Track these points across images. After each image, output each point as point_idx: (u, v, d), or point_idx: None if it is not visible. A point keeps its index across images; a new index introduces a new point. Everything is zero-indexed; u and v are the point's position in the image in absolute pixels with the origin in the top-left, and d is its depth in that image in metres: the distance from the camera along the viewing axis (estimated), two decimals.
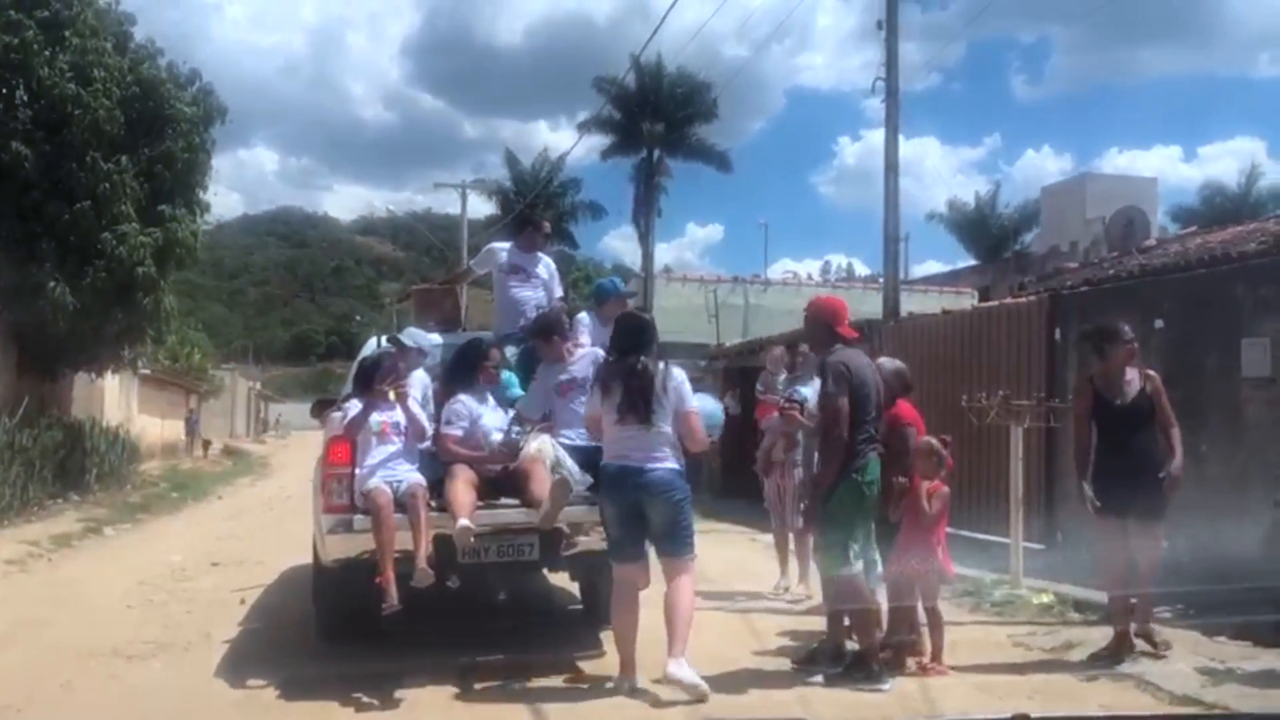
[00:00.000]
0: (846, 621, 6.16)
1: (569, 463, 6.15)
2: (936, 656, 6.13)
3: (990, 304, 12.50)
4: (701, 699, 5.37)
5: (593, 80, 33.18)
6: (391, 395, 6.28)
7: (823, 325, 6.24)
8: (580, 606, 7.84)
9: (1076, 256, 21.17)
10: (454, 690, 5.78)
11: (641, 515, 5.71)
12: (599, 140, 33.64)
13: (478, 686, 5.86)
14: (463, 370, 6.78)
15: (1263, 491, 7.83)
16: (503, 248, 8.08)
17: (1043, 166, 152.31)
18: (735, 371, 18.06)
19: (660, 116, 32.37)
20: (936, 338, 12.20)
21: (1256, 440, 7.96)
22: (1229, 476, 8.03)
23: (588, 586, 7.45)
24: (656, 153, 32.71)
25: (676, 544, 5.74)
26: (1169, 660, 6.13)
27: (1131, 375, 6.50)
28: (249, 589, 9.26)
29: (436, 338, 7.50)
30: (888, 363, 6.75)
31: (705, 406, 6.29)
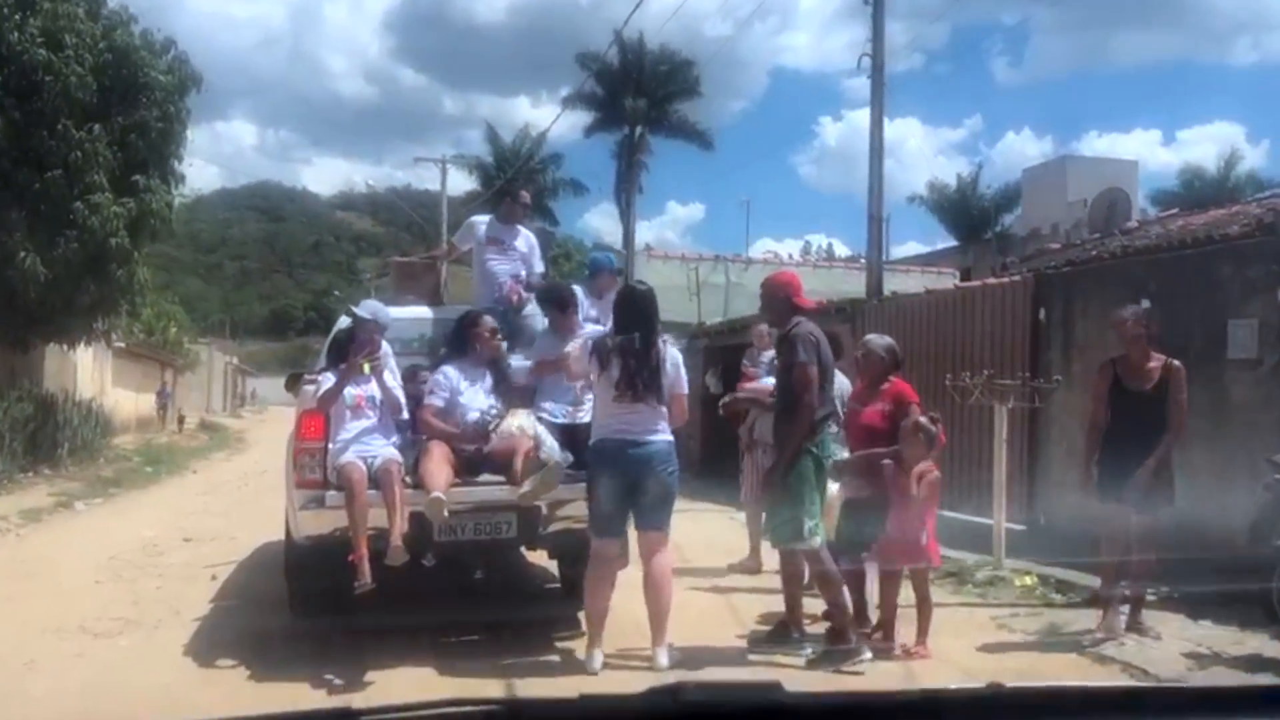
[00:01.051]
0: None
1: (549, 440, 6.09)
2: (922, 639, 6.04)
3: (974, 284, 12.41)
4: None
5: (576, 56, 33.09)
6: (366, 368, 6.12)
7: (781, 299, 6.21)
8: (558, 585, 7.72)
9: (1057, 238, 21.08)
10: (428, 670, 5.66)
11: (632, 490, 5.74)
12: (581, 118, 33.68)
13: (452, 666, 5.74)
14: (454, 341, 6.64)
15: (1248, 474, 7.77)
16: (482, 221, 7.91)
17: (1023, 149, 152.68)
18: (717, 350, 17.93)
19: (643, 93, 32.34)
20: (920, 317, 12.11)
21: (1242, 422, 7.90)
22: (1214, 458, 7.96)
23: (566, 565, 7.33)
24: (639, 129, 32.71)
25: (661, 517, 5.82)
26: (1155, 645, 6.08)
27: (1155, 363, 6.45)
28: (221, 565, 9.11)
29: (421, 311, 7.35)
30: (878, 339, 6.66)
31: None
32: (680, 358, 6.05)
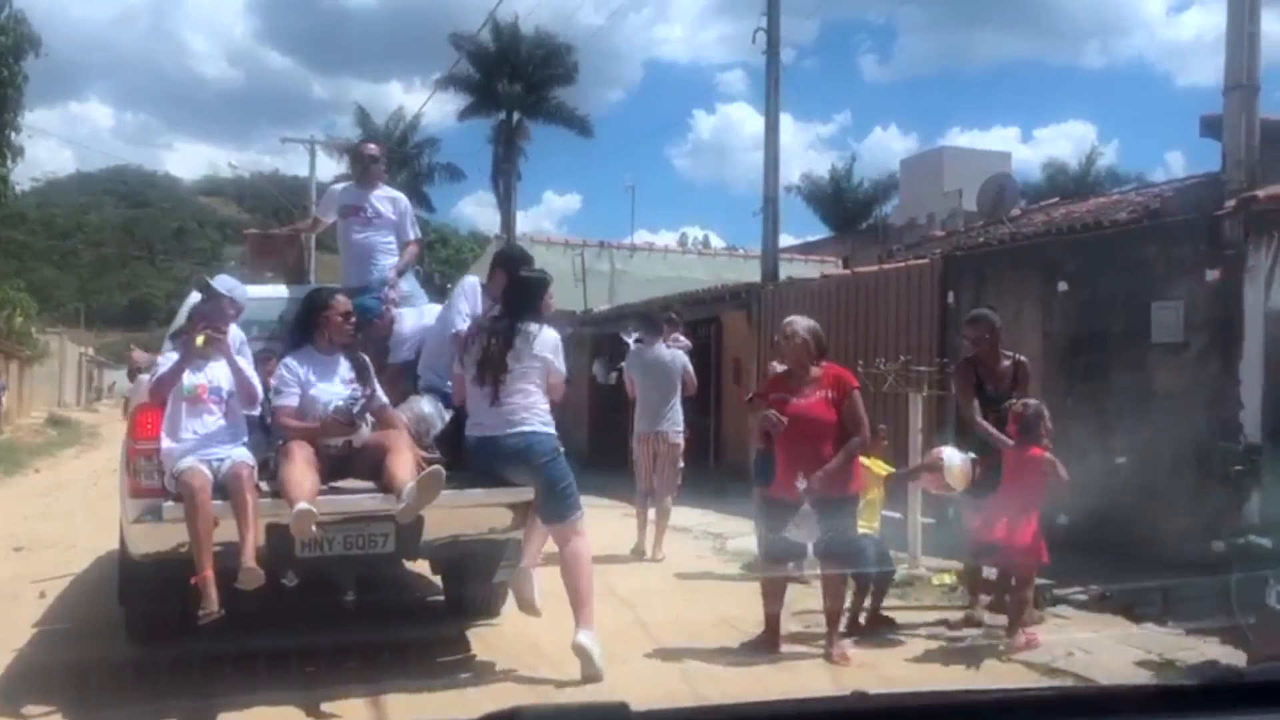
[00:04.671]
0: None
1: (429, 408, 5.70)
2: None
3: (877, 267, 11.97)
4: (594, 680, 5.13)
5: (449, 36, 32.07)
6: (199, 340, 5.18)
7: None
8: (441, 598, 6.91)
9: (934, 227, 21.06)
10: (289, 709, 4.82)
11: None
12: (456, 104, 32.87)
13: (318, 699, 4.91)
14: (300, 326, 5.66)
15: (1172, 462, 7.42)
16: (340, 187, 7.03)
17: (889, 145, 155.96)
18: (605, 338, 17.24)
19: (519, 77, 31.76)
20: (820, 302, 11.63)
21: (1167, 409, 7.53)
22: (1137, 446, 7.60)
23: (451, 577, 6.52)
24: (516, 115, 31.99)
25: (557, 506, 5.38)
26: (1105, 653, 5.60)
27: (1006, 362, 6.58)
28: (53, 579, 8.02)
29: (280, 289, 6.42)
30: (801, 320, 5.97)
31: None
32: (557, 339, 5.58)
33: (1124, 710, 1.53)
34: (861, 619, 6.27)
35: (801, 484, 5.46)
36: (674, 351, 9.21)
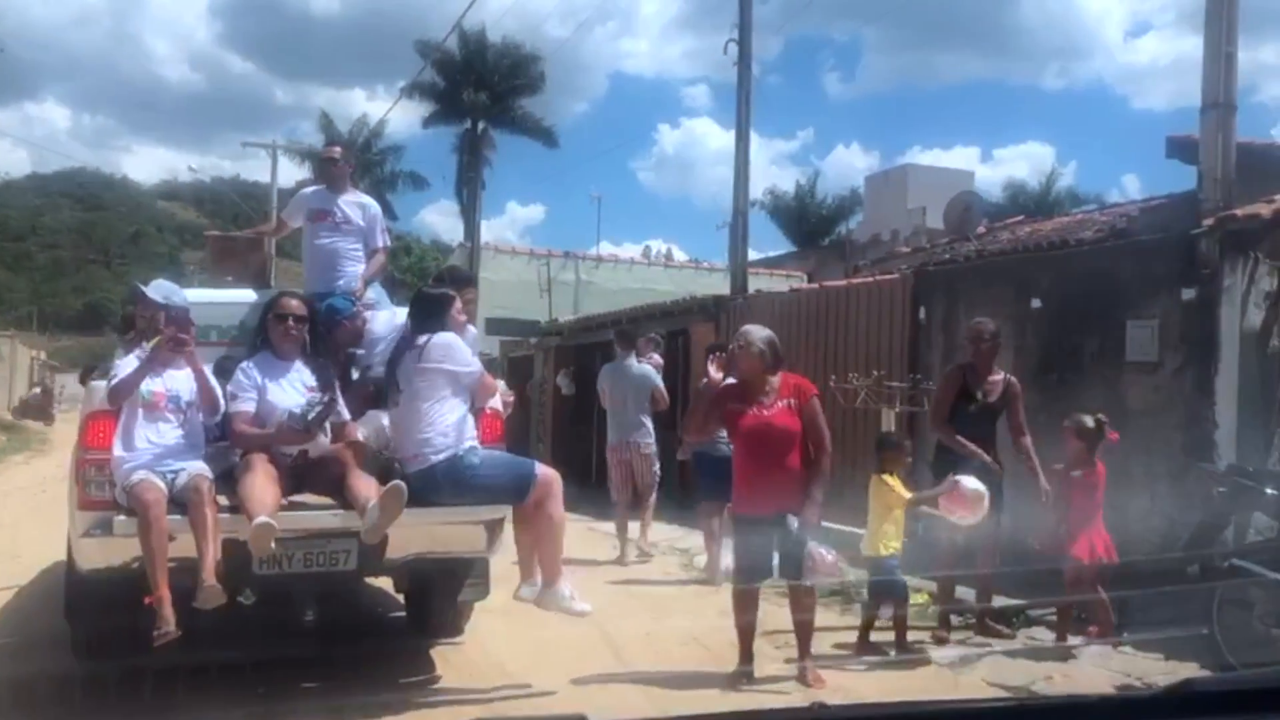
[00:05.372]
0: None
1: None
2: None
3: (846, 282, 11.88)
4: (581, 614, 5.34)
5: (415, 43, 31.92)
6: (147, 345, 4.98)
7: None
8: (402, 615, 6.70)
9: (898, 244, 21.14)
10: None
11: None
12: (421, 112, 32.69)
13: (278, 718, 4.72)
14: (258, 330, 5.46)
15: (1145, 484, 7.36)
16: (309, 191, 6.83)
17: (852, 162, 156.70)
18: (570, 349, 17.07)
19: (485, 86, 31.56)
20: (790, 315, 11.52)
21: (1140, 428, 7.46)
22: (1110, 464, 7.52)
23: (414, 596, 6.32)
24: (481, 124, 31.80)
25: (511, 495, 5.21)
26: (1084, 679, 5.50)
27: (997, 376, 6.63)
28: None
29: (243, 294, 6.19)
30: (757, 330, 5.79)
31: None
32: (451, 339, 5.32)
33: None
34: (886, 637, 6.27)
35: (794, 524, 5.33)
36: (645, 367, 9.60)
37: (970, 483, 6.01)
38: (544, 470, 5.34)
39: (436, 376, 5.16)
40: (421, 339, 5.23)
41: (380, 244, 6.57)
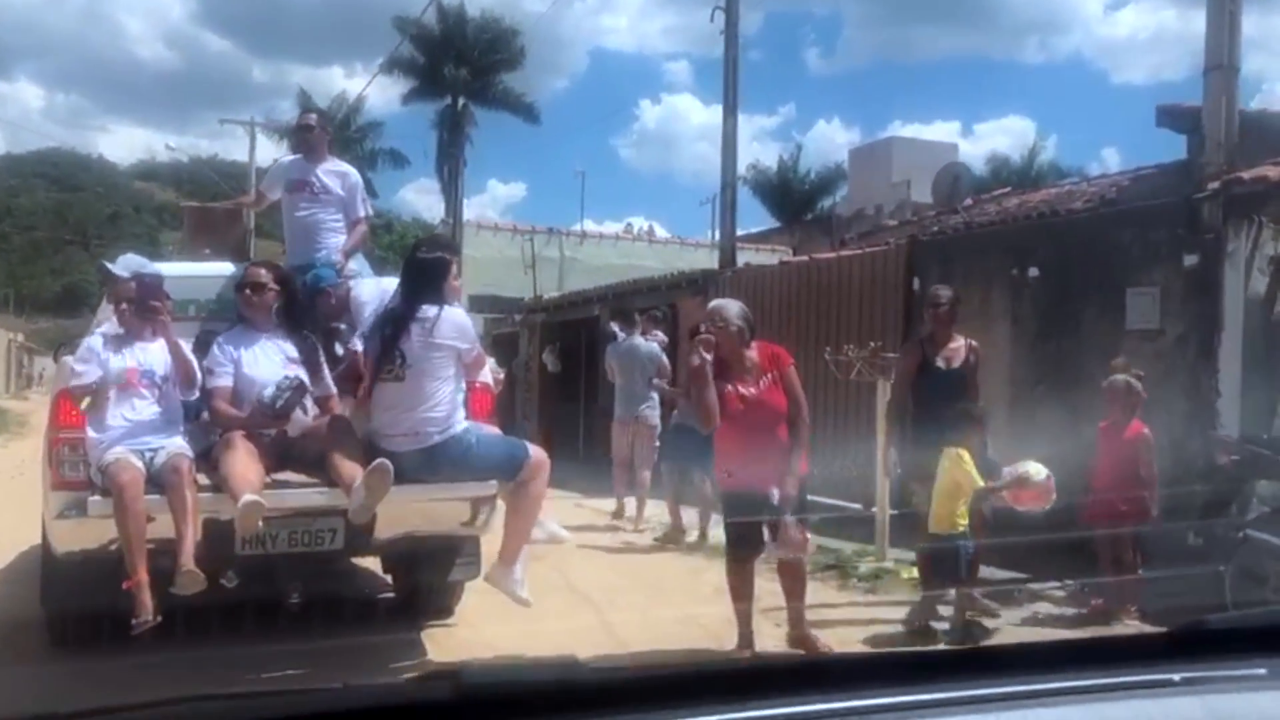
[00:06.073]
0: None
1: None
2: None
3: (839, 253, 11.74)
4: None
5: (393, 19, 31.47)
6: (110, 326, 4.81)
7: None
8: (391, 595, 6.53)
9: (883, 218, 20.96)
10: None
11: None
12: (400, 89, 32.38)
13: None
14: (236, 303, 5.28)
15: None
16: (287, 160, 6.62)
17: (834, 138, 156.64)
18: (555, 326, 16.88)
19: (465, 62, 31.26)
20: (779, 288, 11.40)
21: None
22: None
23: (403, 575, 6.15)
24: (461, 100, 31.47)
25: (502, 473, 5.03)
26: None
27: (958, 342, 6.55)
28: None
29: (221, 267, 5.98)
30: (731, 303, 5.66)
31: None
32: (461, 318, 5.18)
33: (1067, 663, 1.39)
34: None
35: (775, 496, 5.19)
36: (652, 345, 10.02)
37: (1037, 473, 5.77)
38: (536, 450, 5.18)
39: (447, 354, 4.97)
40: (428, 311, 4.94)
41: (361, 214, 6.34)
